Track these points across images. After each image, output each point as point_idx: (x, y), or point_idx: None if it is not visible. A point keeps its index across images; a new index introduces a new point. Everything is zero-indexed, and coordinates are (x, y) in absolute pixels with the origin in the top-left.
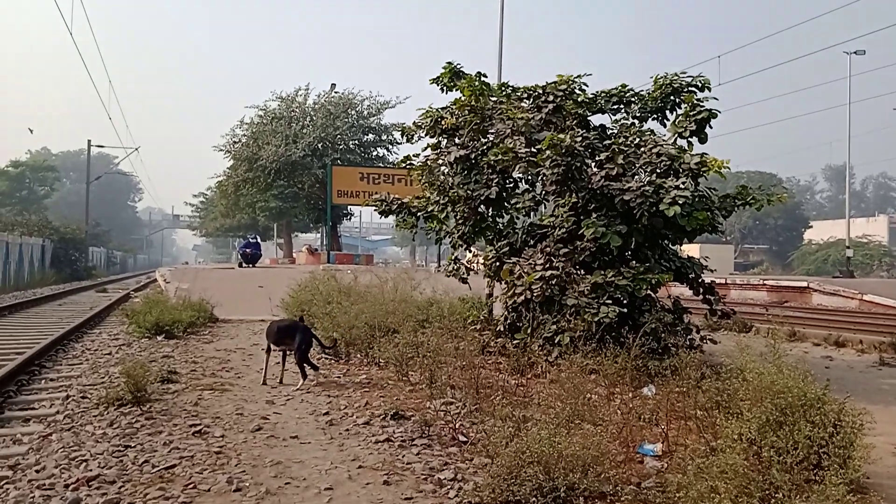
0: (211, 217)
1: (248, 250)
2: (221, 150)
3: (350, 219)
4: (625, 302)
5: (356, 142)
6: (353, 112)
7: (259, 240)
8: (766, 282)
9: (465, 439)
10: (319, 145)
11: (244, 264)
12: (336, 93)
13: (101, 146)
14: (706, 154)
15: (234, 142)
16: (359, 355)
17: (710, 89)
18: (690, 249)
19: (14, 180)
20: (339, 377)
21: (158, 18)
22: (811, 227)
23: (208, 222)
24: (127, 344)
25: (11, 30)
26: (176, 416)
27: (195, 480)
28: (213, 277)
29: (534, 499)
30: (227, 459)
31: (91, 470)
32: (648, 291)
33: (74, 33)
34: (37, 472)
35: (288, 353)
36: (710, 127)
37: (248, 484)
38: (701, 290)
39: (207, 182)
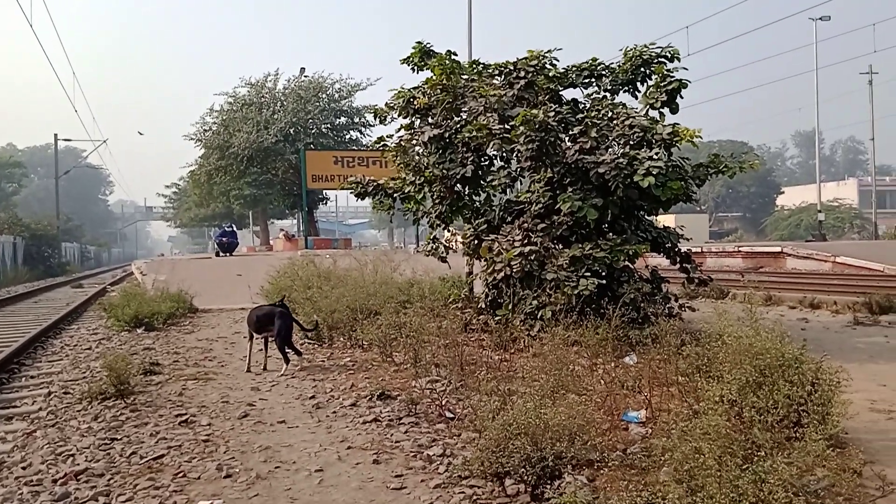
0: (185, 207)
1: (224, 239)
2: (192, 138)
3: (326, 203)
4: (603, 274)
5: (328, 126)
6: (324, 96)
7: (235, 228)
8: (741, 248)
9: (451, 415)
10: (291, 130)
11: (221, 253)
12: (306, 77)
13: (69, 140)
14: (678, 124)
15: (205, 130)
16: (342, 339)
17: (679, 59)
18: (666, 220)
19: None
20: (323, 361)
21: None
22: (783, 192)
23: (182, 213)
24: (107, 338)
25: None
26: (161, 407)
27: (184, 469)
28: (190, 268)
29: (522, 469)
30: (215, 447)
31: (78, 464)
32: (626, 262)
33: (34, 24)
34: (23, 468)
35: (270, 339)
36: (681, 97)
37: (237, 470)
38: (678, 259)
39: (179, 172)
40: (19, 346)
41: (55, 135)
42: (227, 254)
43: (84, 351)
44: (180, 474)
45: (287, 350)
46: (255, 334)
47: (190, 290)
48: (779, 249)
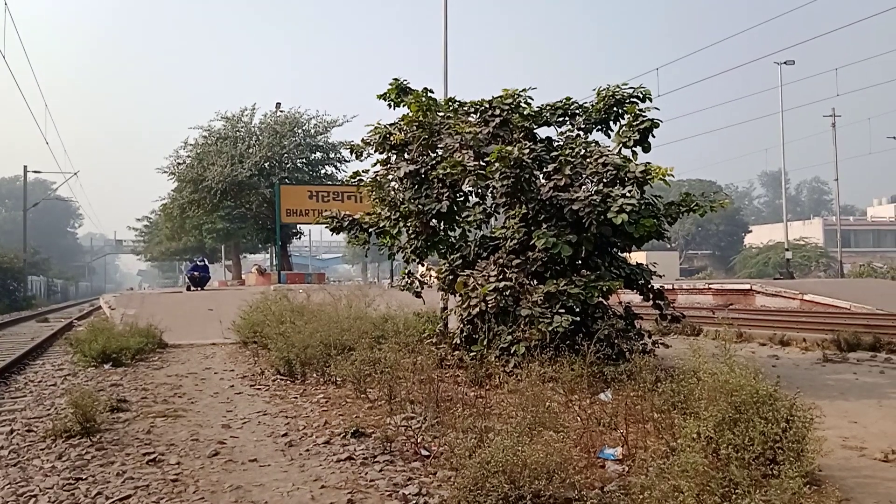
0: (156, 241)
1: (195, 273)
2: (165, 171)
3: (300, 238)
4: (577, 310)
5: (304, 160)
6: (299, 131)
7: (207, 262)
8: (711, 286)
9: (427, 453)
10: (266, 164)
11: (192, 287)
12: (282, 112)
13: (38, 171)
14: (650, 163)
15: (179, 163)
16: (315, 374)
17: (651, 100)
18: (638, 257)
19: None
20: (295, 398)
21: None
22: (751, 231)
23: (153, 246)
24: (72, 374)
25: None
26: (128, 446)
27: None
28: (160, 302)
29: None
30: (184, 487)
31: None
32: (600, 299)
33: (7, 55)
34: None
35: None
36: (653, 136)
37: None
38: (651, 295)
39: (151, 205)
40: None
41: (24, 166)
42: (199, 288)
43: (49, 387)
44: None
45: None
46: None
47: (160, 325)
48: (748, 287)
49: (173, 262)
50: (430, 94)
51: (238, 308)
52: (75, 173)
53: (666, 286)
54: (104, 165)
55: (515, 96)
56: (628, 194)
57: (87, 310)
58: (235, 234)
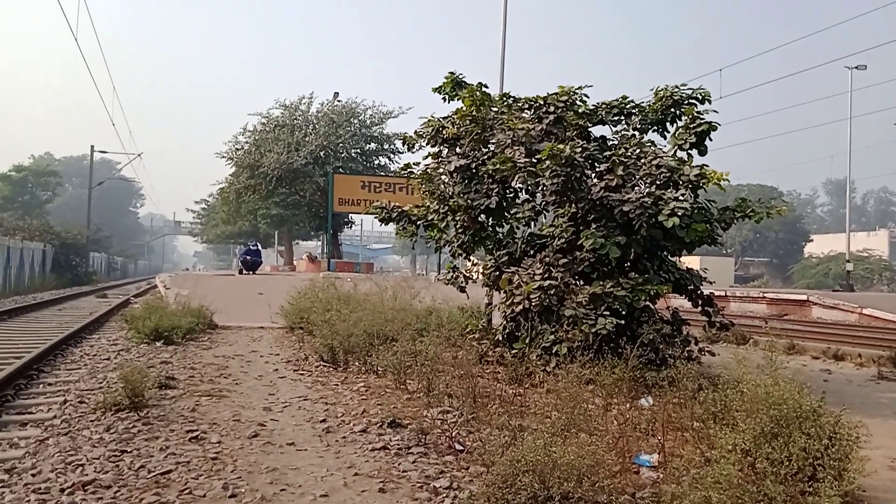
0: (212, 224)
1: (248, 257)
2: (224, 156)
3: (351, 227)
4: (623, 313)
5: (358, 150)
6: (355, 121)
7: (260, 247)
8: (765, 294)
9: (461, 448)
10: (321, 153)
11: (244, 271)
12: (339, 102)
13: (104, 152)
14: (706, 166)
15: (237, 149)
16: (357, 363)
17: (710, 101)
18: (690, 261)
19: (16, 185)
20: (336, 385)
21: (163, 24)
22: (812, 240)
23: (209, 229)
24: (126, 349)
25: (17, 34)
26: (173, 422)
27: (191, 486)
28: (213, 284)
29: None
30: (223, 465)
31: (87, 474)
32: (647, 303)
33: (79, 38)
34: (33, 476)
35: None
36: (710, 139)
37: (243, 490)
38: (700, 301)
39: (209, 189)
40: (40, 353)
41: (91, 146)
42: (251, 272)
43: (102, 361)
44: (186, 491)
45: None
46: None
47: (211, 306)
48: (805, 298)
49: (228, 246)
50: (484, 89)
51: (287, 293)
52: (139, 154)
53: (718, 293)
54: (167, 148)
55: (571, 94)
56: (681, 198)
57: (144, 287)
58: (289, 221)
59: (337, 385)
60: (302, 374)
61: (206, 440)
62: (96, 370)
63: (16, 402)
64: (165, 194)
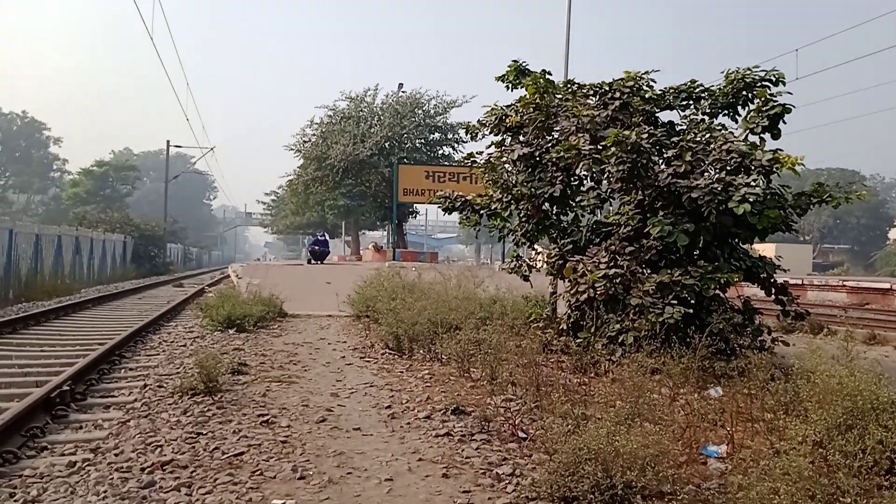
0: (281, 215)
1: (316, 247)
2: (292, 149)
3: (416, 217)
4: (692, 302)
5: (422, 141)
6: (419, 111)
7: (327, 237)
8: (845, 283)
9: (524, 435)
10: (386, 144)
11: (313, 261)
12: (403, 93)
13: (179, 146)
14: (779, 150)
15: (304, 141)
16: (421, 351)
17: (784, 83)
18: (765, 249)
19: (98, 179)
20: (401, 372)
21: (234, 21)
22: None
23: (279, 220)
24: (200, 336)
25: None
26: (245, 407)
27: (262, 468)
28: (283, 273)
29: (591, 496)
30: (292, 449)
31: (165, 455)
32: (717, 291)
33: (154, 37)
34: (115, 455)
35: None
36: (784, 122)
37: (311, 472)
38: (773, 290)
39: (279, 181)
40: (121, 340)
41: (167, 141)
42: (319, 262)
43: (179, 347)
44: (258, 472)
45: None
46: None
47: (281, 295)
48: (888, 286)
49: (297, 236)
50: (547, 76)
51: (353, 282)
52: (212, 148)
53: (794, 281)
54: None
55: (637, 79)
56: (752, 183)
57: (218, 277)
58: (355, 211)
59: (402, 372)
60: (368, 362)
61: (276, 424)
62: (173, 356)
63: (99, 385)
64: (237, 187)
